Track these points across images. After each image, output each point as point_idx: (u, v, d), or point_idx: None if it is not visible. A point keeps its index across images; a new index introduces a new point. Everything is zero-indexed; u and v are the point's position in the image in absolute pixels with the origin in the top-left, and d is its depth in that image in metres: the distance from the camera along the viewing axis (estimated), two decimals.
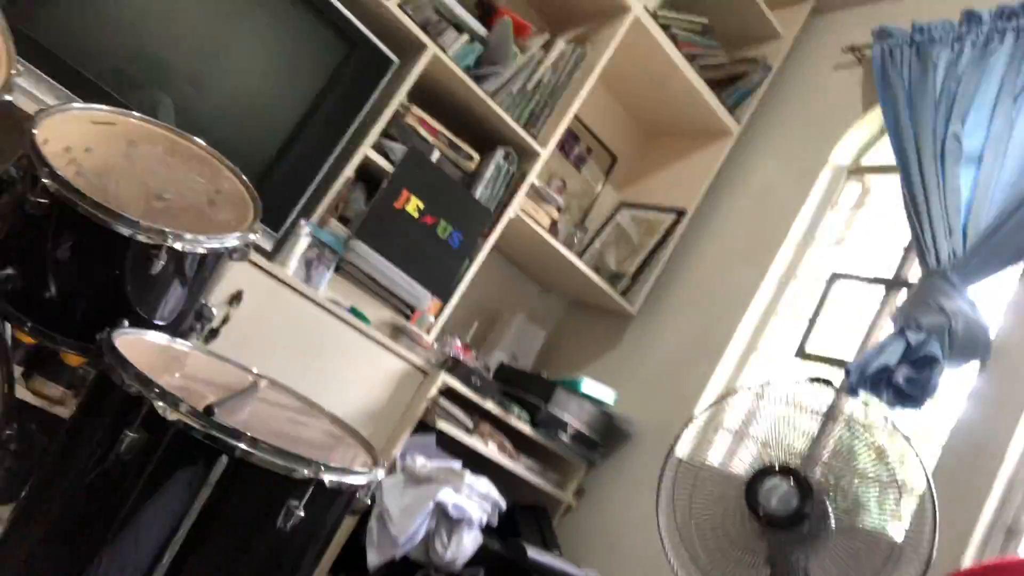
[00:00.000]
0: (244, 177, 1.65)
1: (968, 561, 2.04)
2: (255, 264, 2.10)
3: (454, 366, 2.49)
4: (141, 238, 1.33)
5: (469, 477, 2.25)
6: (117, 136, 1.57)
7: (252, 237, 1.52)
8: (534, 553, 2.31)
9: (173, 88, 2.07)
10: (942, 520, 1.68)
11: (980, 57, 2.53)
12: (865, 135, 3.01)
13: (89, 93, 1.90)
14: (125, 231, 1.32)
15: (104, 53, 1.98)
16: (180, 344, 1.45)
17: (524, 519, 2.61)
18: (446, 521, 2.18)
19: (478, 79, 2.61)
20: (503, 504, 2.32)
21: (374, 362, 2.34)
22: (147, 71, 2.04)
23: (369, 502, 1.29)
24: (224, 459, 1.10)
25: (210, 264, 1.47)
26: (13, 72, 1.37)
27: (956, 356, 2.26)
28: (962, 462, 2.16)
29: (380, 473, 1.31)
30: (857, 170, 3.03)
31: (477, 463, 2.45)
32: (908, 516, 1.72)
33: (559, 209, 2.98)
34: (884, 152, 2.82)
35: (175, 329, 1.47)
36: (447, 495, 2.18)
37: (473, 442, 2.52)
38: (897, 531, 1.71)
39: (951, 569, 1.97)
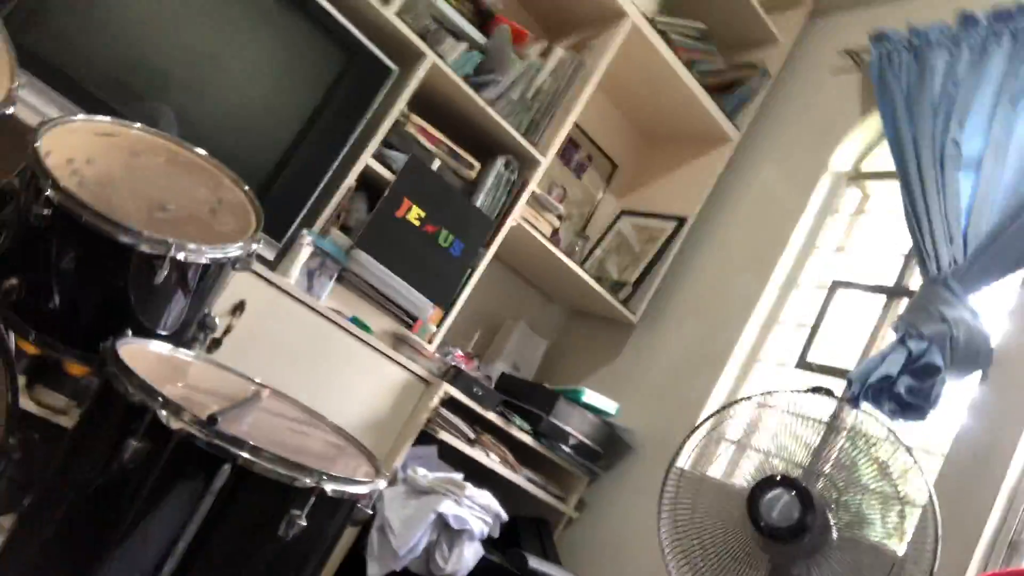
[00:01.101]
0: (246, 186, 1.66)
1: (971, 575, 2.02)
2: (257, 274, 2.10)
3: (456, 376, 2.48)
4: (144, 248, 1.33)
5: (470, 489, 2.24)
6: (119, 147, 1.58)
7: (254, 247, 1.53)
8: (535, 563, 2.29)
9: (173, 99, 2.07)
10: (944, 533, 1.67)
11: (978, 60, 2.49)
12: (864, 140, 3.00)
13: (90, 105, 1.91)
14: (128, 241, 1.33)
15: (104, 64, 1.99)
16: (183, 354, 1.45)
17: (525, 531, 2.60)
18: (447, 533, 2.18)
19: (477, 87, 2.62)
20: (504, 516, 2.31)
21: (376, 372, 2.34)
22: (147, 82, 2.05)
23: (371, 512, 1.29)
24: (227, 467, 1.10)
25: (213, 274, 1.48)
26: (15, 85, 1.38)
27: (958, 365, 2.23)
28: (964, 474, 2.12)
29: (382, 483, 1.31)
30: (857, 176, 3.02)
31: (479, 474, 2.45)
32: (910, 529, 1.71)
33: (560, 217, 2.98)
34: (884, 158, 2.81)
35: (178, 339, 1.47)
36: (448, 507, 2.17)
37: (475, 453, 2.51)
38: (899, 544, 1.70)
39: None
